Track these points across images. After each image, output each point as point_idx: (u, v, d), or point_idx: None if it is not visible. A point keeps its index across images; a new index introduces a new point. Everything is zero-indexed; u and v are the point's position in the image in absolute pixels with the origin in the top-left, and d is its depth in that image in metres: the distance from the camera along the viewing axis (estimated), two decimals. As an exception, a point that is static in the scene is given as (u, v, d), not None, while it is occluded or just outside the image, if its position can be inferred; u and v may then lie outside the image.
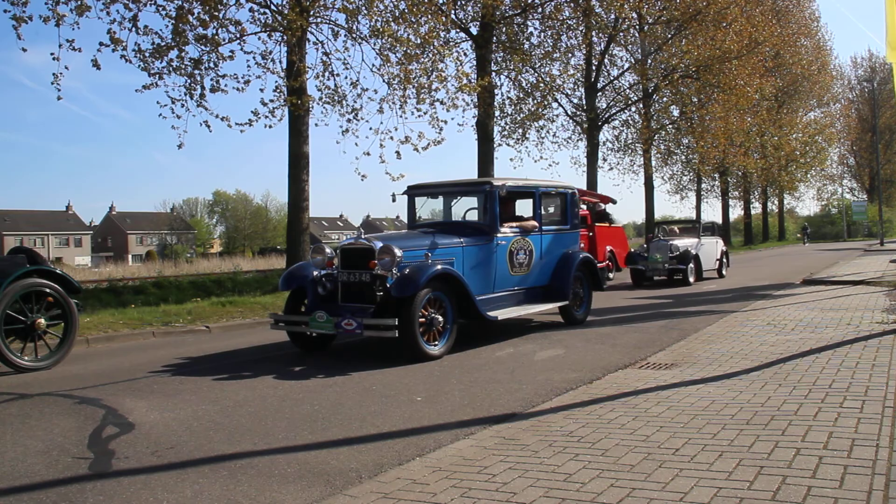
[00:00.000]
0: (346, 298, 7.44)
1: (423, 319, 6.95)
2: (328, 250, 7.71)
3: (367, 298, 7.24)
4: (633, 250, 17.31)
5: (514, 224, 8.58)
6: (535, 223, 8.80)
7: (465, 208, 9.42)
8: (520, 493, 3.18)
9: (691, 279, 15.61)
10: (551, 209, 9.75)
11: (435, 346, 7.07)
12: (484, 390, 5.55)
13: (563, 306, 9.07)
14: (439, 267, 7.12)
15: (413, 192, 9.24)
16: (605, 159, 33.76)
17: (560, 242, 9.27)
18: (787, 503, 2.89)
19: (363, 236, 7.56)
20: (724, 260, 17.96)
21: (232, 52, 14.51)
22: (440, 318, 7.14)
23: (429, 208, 10.30)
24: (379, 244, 7.21)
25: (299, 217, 15.50)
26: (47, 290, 7.28)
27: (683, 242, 16.18)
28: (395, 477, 3.53)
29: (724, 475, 3.24)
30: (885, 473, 3.14)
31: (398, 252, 7.06)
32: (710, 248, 17.14)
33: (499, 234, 8.21)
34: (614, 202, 22.02)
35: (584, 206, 20.14)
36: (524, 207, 9.64)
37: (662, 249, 15.82)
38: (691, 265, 15.68)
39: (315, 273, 7.60)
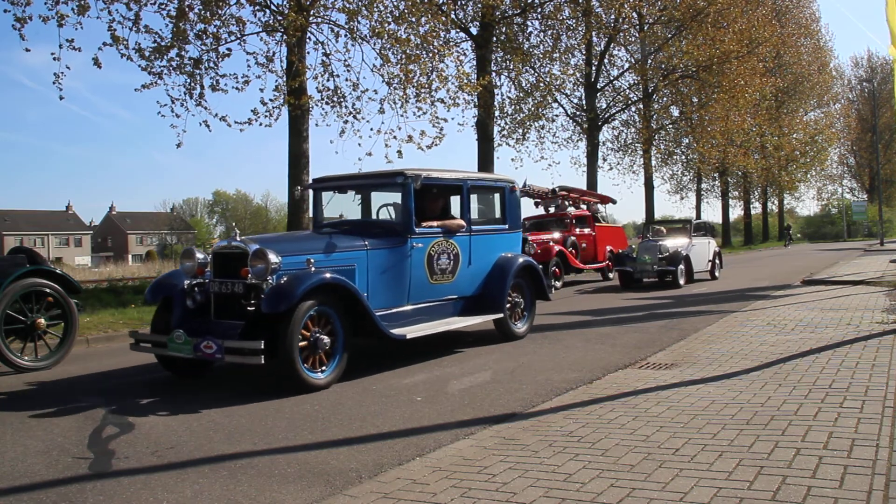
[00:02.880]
0: (220, 313, 6.14)
1: (304, 342, 5.70)
2: (199, 255, 6.37)
3: (241, 313, 5.93)
4: (620, 251, 16.72)
5: (434, 223, 7.33)
6: (461, 222, 7.58)
7: (387, 204, 8.01)
8: (520, 493, 3.18)
9: (681, 281, 14.94)
10: (484, 206, 8.81)
11: (320, 373, 5.82)
12: (484, 390, 5.55)
13: (498, 320, 7.86)
14: (327, 276, 5.88)
15: (318, 186, 7.93)
16: (605, 159, 33.80)
17: (495, 245, 8.10)
18: (787, 503, 2.89)
19: (238, 238, 6.18)
20: (718, 261, 17.33)
21: (229, 49, 14.52)
22: (326, 339, 5.83)
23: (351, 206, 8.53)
24: (254, 247, 5.94)
25: (299, 217, 15.50)
26: (47, 290, 7.28)
27: (673, 243, 15.53)
28: (395, 477, 3.53)
29: (724, 475, 3.24)
30: (885, 473, 3.14)
31: (273, 258, 5.83)
32: (701, 249, 16.45)
33: (414, 236, 6.96)
34: (614, 202, 22.09)
35: (583, 206, 20.24)
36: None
37: (651, 250, 15.12)
38: (681, 267, 15.03)
39: (186, 282, 6.24)
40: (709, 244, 16.87)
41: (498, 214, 8.47)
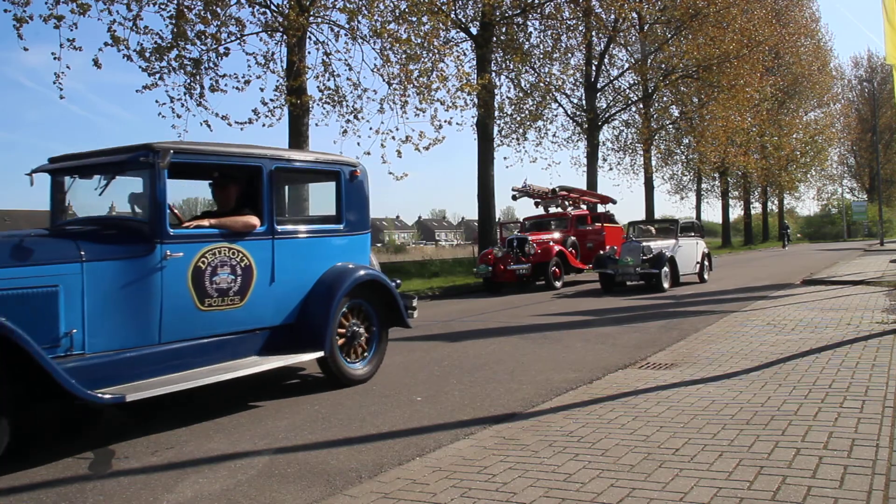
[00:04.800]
0: None
1: None
2: None
3: None
4: (601, 252, 15.86)
5: (207, 222, 5.21)
6: (249, 220, 5.32)
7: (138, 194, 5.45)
8: (520, 493, 3.18)
9: (665, 285, 14.07)
10: (308, 199, 7.06)
11: None
12: (484, 390, 5.55)
13: (322, 359, 5.69)
14: None
15: (52, 167, 5.52)
16: (605, 159, 33.85)
17: (320, 253, 5.95)
18: (787, 503, 2.89)
19: None
20: (707, 263, 16.44)
21: (227, 49, 14.52)
22: None
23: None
24: None
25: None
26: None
27: (658, 244, 14.64)
28: (395, 477, 3.53)
29: (724, 475, 3.24)
30: (885, 473, 3.14)
31: None
32: (689, 250, 15.53)
33: (169, 241, 4.81)
34: (614, 202, 22.08)
35: (583, 207, 20.26)
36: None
37: (634, 252, 14.24)
38: (665, 269, 14.13)
39: None
40: (697, 245, 16.06)
41: (331, 210, 6.29)
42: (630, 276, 14.36)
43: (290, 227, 5.77)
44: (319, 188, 6.74)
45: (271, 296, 5.47)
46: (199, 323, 5.02)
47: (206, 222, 5.21)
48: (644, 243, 14.37)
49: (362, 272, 6.05)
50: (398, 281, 6.90)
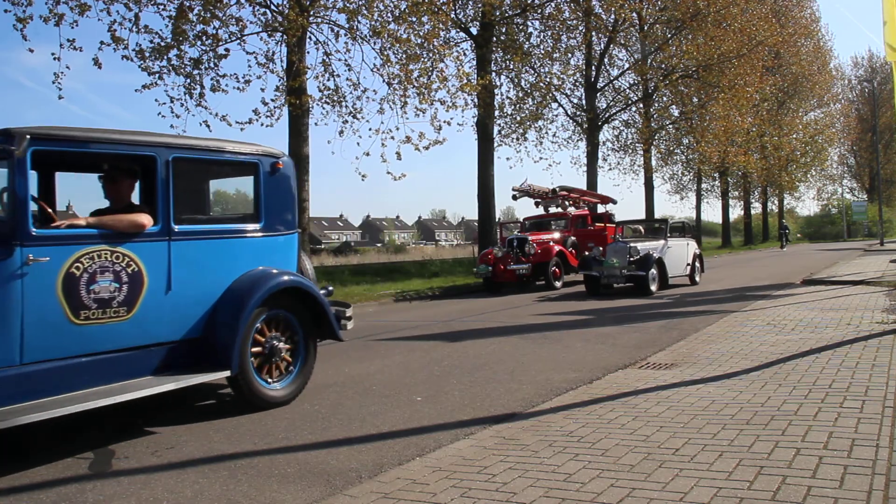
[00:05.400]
0: None
1: None
2: None
3: None
4: (586, 253, 15.29)
5: (84, 221, 4.58)
6: (142, 219, 4.66)
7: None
8: (520, 493, 3.18)
9: (652, 287, 13.42)
10: (220, 194, 5.73)
11: None
12: (484, 390, 5.55)
13: (232, 378, 5.00)
14: None
15: None
16: (605, 159, 33.88)
17: (230, 256, 5.22)
18: (787, 503, 2.89)
19: None
20: (698, 264, 15.76)
21: (227, 49, 14.53)
22: None
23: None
24: None
25: (299, 217, 15.50)
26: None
27: (645, 245, 14.01)
28: (395, 477, 3.53)
29: (724, 475, 3.25)
30: (885, 473, 3.14)
31: None
32: (678, 252, 14.84)
33: (32, 242, 4.16)
34: (615, 202, 22.07)
35: (584, 207, 20.26)
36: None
37: (620, 253, 13.63)
38: (652, 271, 13.48)
39: None
40: (687, 246, 15.39)
41: (249, 206, 5.65)
42: (616, 277, 13.77)
43: (192, 227, 5.01)
44: (225, 182, 5.87)
45: (168, 306, 4.77)
46: (74, 339, 4.32)
47: (82, 221, 4.57)
48: (631, 244, 13.86)
49: (284, 278, 5.31)
50: (330, 288, 6.43)
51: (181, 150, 4.95)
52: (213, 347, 4.95)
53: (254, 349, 5.12)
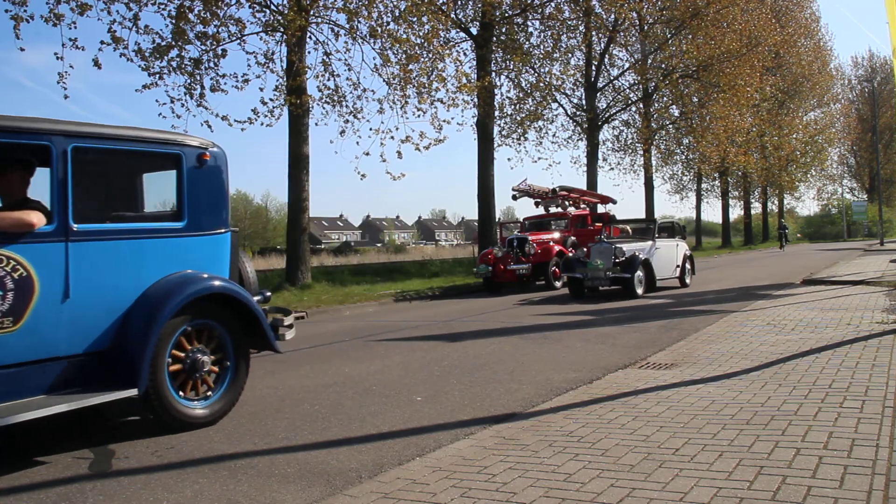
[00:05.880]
0: None
1: None
2: None
3: None
4: (570, 255, 14.73)
5: None
6: (29, 217, 4.09)
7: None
8: (520, 493, 3.18)
9: (639, 291, 12.86)
10: (129, 188, 5.28)
11: None
12: (484, 390, 5.55)
13: (142, 396, 4.41)
14: None
15: None
16: (605, 159, 33.96)
17: (145, 259, 4.64)
18: (787, 503, 2.89)
19: None
20: (689, 266, 15.13)
21: (224, 50, 14.53)
22: None
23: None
24: None
25: (299, 217, 15.52)
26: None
27: (631, 246, 13.35)
28: (395, 477, 3.53)
29: (724, 475, 3.24)
30: (885, 473, 3.14)
31: None
32: (667, 253, 14.22)
33: None
34: (615, 202, 22.09)
35: (584, 207, 20.26)
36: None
37: (605, 254, 13.00)
38: (639, 273, 12.90)
39: None
40: (677, 247, 14.74)
41: (172, 203, 5.02)
42: (600, 280, 13.14)
43: (97, 227, 4.42)
44: (142, 175, 5.17)
45: (66, 316, 4.20)
46: None
47: None
48: (616, 245, 13.21)
49: (211, 283, 4.77)
50: (267, 293, 5.82)
51: (82, 139, 4.35)
52: (122, 362, 4.37)
53: (173, 364, 4.59)
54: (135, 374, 4.31)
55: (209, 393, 4.81)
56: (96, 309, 4.36)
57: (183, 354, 4.65)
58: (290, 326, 5.62)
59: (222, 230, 5.13)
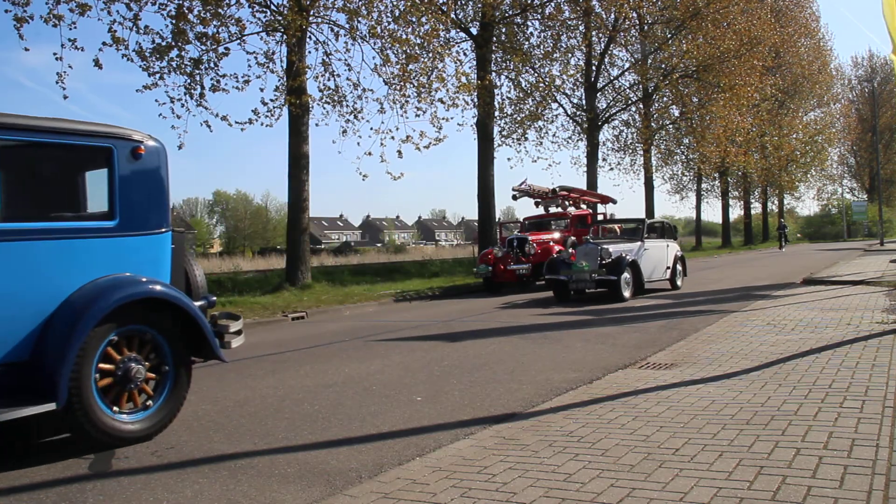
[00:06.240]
0: None
1: None
2: None
3: None
4: (554, 256, 14.12)
5: None
6: None
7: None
8: (520, 493, 3.18)
9: (626, 294, 12.33)
10: (54, 185, 4.72)
11: None
12: (484, 390, 5.55)
13: (63, 410, 4.03)
14: None
15: None
16: (605, 159, 33.94)
17: (69, 261, 4.27)
18: (787, 503, 2.89)
19: None
20: (680, 267, 14.60)
21: (227, 48, 14.52)
22: None
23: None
24: None
25: (299, 217, 15.53)
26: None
27: (618, 247, 12.79)
28: (395, 477, 3.53)
29: (724, 475, 3.24)
30: (885, 473, 3.14)
31: None
32: (657, 254, 13.71)
33: None
34: (615, 202, 22.07)
35: (584, 207, 20.25)
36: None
37: (591, 255, 12.47)
38: (625, 275, 12.34)
39: None
40: (667, 248, 14.25)
41: (103, 202, 4.57)
42: (585, 282, 12.63)
43: (9, 227, 4.02)
44: (66, 172, 4.70)
45: None
46: None
47: None
48: (602, 246, 12.67)
49: (145, 287, 4.42)
50: (212, 298, 5.46)
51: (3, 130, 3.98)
52: (40, 373, 3.99)
53: (103, 375, 4.23)
54: (53, 387, 3.91)
55: (149, 402, 4.48)
56: (11, 316, 3.99)
57: (113, 366, 4.28)
58: (238, 333, 5.32)
59: (161, 230, 4.75)
